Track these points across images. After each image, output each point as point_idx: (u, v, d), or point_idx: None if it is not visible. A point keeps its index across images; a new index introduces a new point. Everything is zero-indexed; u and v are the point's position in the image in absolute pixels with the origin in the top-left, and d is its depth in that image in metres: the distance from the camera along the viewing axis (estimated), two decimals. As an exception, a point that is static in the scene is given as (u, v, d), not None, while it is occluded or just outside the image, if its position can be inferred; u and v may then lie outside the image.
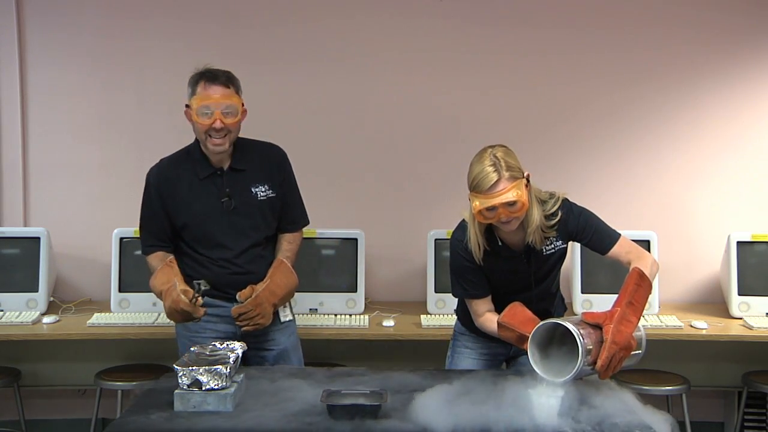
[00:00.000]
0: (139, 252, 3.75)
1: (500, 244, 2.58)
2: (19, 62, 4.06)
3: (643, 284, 2.39)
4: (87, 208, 4.13)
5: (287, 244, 2.89)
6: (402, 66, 4.15)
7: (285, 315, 2.90)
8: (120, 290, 3.73)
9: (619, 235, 2.62)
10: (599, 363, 2.18)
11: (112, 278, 3.74)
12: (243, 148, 2.82)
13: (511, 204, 2.41)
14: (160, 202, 2.80)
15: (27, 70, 4.09)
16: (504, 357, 2.80)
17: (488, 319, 2.58)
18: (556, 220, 2.56)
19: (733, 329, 3.66)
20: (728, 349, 3.90)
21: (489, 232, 2.58)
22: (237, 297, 2.71)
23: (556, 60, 4.17)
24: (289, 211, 2.90)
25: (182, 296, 2.59)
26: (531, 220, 2.51)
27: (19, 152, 4.09)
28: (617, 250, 2.59)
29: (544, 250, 2.60)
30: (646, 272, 2.42)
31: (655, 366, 3.84)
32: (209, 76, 2.71)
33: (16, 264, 3.80)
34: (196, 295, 2.63)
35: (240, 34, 4.13)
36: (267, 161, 2.86)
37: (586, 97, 4.20)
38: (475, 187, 2.43)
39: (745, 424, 4.02)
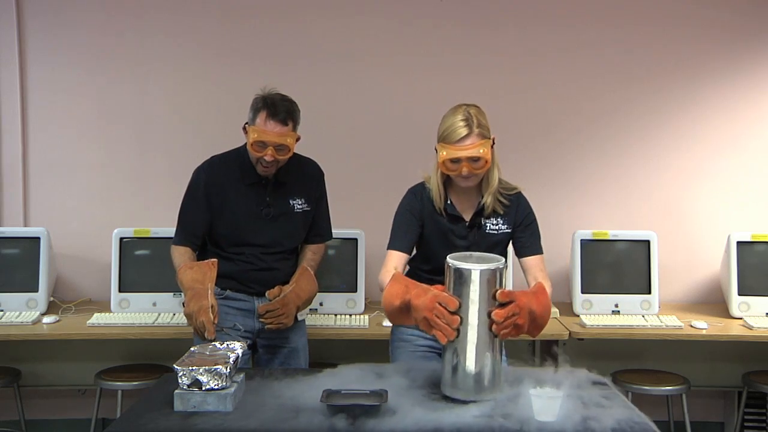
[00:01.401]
0: (139, 252, 3.79)
1: (449, 202, 2.66)
2: (19, 61, 4.06)
3: (547, 295, 2.41)
4: (87, 208, 4.13)
5: (311, 254, 3.05)
6: (402, 66, 4.15)
7: (301, 314, 3.02)
8: (120, 290, 3.72)
9: (542, 252, 2.72)
10: (499, 293, 2.12)
11: (112, 278, 3.74)
12: (287, 161, 2.90)
13: (476, 160, 2.53)
14: (206, 199, 2.89)
15: (27, 69, 4.09)
16: (440, 350, 2.76)
17: (389, 272, 2.51)
18: (509, 200, 2.67)
19: (733, 329, 3.66)
20: (728, 349, 3.90)
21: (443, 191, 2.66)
22: (266, 295, 2.85)
23: (556, 60, 4.17)
24: (318, 224, 3.06)
25: (210, 311, 2.59)
26: (491, 182, 2.63)
27: (19, 152, 4.09)
28: (536, 262, 2.68)
29: (488, 227, 2.67)
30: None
31: (655, 366, 3.85)
32: (271, 111, 2.77)
33: (16, 264, 3.79)
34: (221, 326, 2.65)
35: (240, 32, 4.13)
36: (306, 177, 3.00)
37: (586, 97, 4.20)
38: (445, 138, 2.55)
39: (745, 424, 4.02)
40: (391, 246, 2.66)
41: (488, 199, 2.64)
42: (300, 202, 2.96)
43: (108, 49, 4.11)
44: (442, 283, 2.24)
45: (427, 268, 2.71)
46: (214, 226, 2.91)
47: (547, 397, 2.07)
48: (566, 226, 3.98)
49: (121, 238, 3.76)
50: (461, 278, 2.15)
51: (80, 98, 4.12)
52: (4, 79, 4.07)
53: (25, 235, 3.84)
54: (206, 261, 2.76)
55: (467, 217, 2.67)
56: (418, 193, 2.71)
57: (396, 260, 2.61)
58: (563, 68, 4.18)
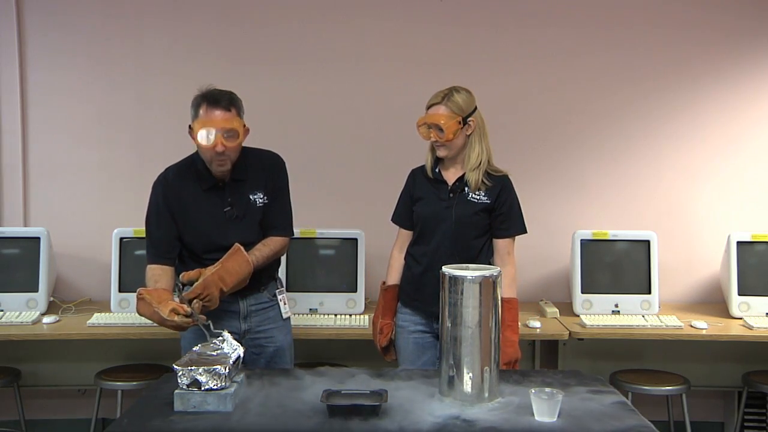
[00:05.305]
0: (139, 252, 3.79)
1: (437, 171, 2.97)
2: (19, 62, 4.06)
3: (513, 305, 2.86)
4: (87, 208, 4.13)
5: (261, 245, 2.85)
6: (402, 66, 4.15)
7: (286, 312, 2.99)
8: (120, 290, 3.72)
9: (520, 233, 2.96)
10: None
11: (112, 278, 3.74)
12: (243, 157, 2.84)
13: (439, 129, 2.82)
14: (168, 212, 2.84)
15: (27, 71, 4.10)
16: (433, 333, 2.96)
17: (397, 258, 3.07)
18: (494, 180, 2.91)
19: (733, 329, 3.66)
20: (728, 349, 3.90)
21: (435, 165, 2.99)
22: (180, 277, 2.67)
23: (556, 61, 4.18)
24: (271, 216, 2.90)
25: (176, 319, 2.51)
26: (471, 160, 2.89)
27: (19, 152, 4.09)
28: (506, 244, 2.94)
29: (470, 194, 2.90)
30: (507, 284, 2.82)
31: (655, 366, 3.85)
32: (211, 100, 2.72)
33: (16, 264, 3.80)
34: (190, 312, 2.55)
35: (238, 34, 4.13)
36: (261, 169, 2.89)
37: (587, 98, 4.20)
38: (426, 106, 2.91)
39: (745, 424, 4.02)
40: (395, 219, 3.10)
41: (470, 175, 2.89)
42: (260, 197, 2.86)
43: (108, 50, 4.11)
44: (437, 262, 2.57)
45: (424, 241, 2.95)
46: (183, 237, 2.84)
47: (547, 397, 2.07)
48: (566, 226, 3.99)
49: (121, 238, 3.76)
50: (456, 285, 2.19)
51: (80, 99, 4.12)
52: (4, 80, 4.07)
53: (25, 235, 3.84)
54: (137, 298, 2.65)
55: (450, 182, 2.94)
56: (416, 172, 3.06)
57: (403, 237, 3.08)
58: (563, 69, 4.18)
